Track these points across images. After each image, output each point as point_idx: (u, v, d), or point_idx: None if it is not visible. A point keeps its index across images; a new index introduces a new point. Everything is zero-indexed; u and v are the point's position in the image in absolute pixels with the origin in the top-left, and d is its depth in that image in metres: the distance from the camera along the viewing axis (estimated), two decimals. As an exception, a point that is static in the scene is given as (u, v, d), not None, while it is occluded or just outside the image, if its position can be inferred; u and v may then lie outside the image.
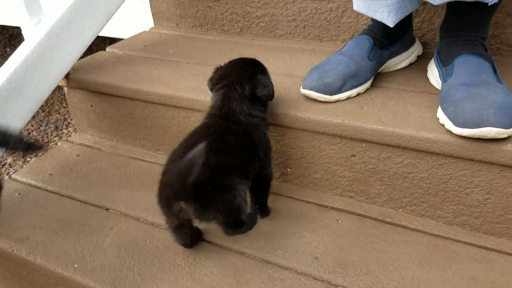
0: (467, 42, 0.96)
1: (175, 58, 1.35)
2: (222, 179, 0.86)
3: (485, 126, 0.81)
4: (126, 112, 1.26)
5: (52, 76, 1.21)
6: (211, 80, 1.01)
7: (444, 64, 0.98)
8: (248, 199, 0.94)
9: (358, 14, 1.29)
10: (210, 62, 1.30)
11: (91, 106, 1.32)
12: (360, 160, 0.99)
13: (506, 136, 0.82)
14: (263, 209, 1.02)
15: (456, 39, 0.97)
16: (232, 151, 0.90)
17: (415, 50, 1.17)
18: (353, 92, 1.03)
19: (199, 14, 1.52)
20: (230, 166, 0.88)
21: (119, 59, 1.37)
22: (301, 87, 1.04)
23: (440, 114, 0.90)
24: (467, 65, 0.92)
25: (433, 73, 1.05)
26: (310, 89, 1.02)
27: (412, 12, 1.10)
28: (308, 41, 1.39)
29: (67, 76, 1.28)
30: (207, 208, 0.85)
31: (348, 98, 1.03)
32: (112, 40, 2.46)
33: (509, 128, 0.81)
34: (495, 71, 0.93)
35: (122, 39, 1.57)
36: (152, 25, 1.63)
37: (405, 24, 1.10)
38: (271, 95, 0.97)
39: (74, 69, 1.29)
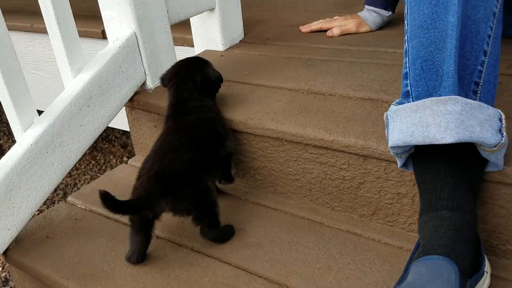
0: None
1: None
2: (194, 173, 0.91)
3: None
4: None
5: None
6: (163, 78, 1.10)
7: None
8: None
9: (381, 189, 0.94)
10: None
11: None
12: None
13: None
14: (229, 179, 1.07)
15: None
16: (199, 145, 0.96)
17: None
18: None
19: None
20: (200, 161, 0.93)
21: (77, 221, 1.10)
22: None
23: None
24: None
25: None
26: None
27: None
28: (316, 206, 1.06)
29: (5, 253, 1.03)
30: (181, 199, 0.89)
31: None
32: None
33: None
34: None
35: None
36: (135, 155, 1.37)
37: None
38: (221, 77, 1.07)
39: (17, 241, 1.04)
